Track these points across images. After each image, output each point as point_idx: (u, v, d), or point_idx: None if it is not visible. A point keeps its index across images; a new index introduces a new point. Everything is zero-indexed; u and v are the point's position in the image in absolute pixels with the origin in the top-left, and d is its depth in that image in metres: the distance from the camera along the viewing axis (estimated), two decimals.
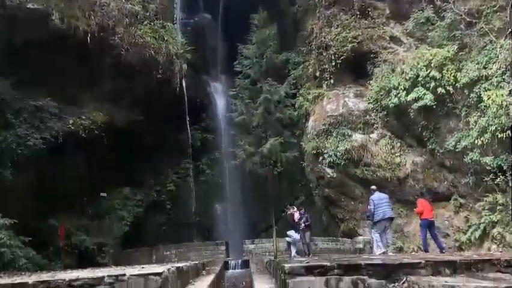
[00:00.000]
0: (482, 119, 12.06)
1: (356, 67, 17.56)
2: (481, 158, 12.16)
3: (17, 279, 6.62)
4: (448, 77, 13.28)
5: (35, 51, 14.51)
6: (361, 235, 16.99)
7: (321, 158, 17.37)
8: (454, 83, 13.17)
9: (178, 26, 22.75)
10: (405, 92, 14.30)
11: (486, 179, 12.05)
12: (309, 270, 6.32)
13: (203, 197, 22.91)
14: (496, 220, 11.56)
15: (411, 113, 14.36)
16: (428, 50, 14.24)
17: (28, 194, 14.27)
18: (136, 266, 8.60)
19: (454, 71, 13.24)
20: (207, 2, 25.62)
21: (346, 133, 16.98)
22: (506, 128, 11.26)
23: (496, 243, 11.39)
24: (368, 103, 16.50)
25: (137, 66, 17.25)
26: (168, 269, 6.58)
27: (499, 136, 11.41)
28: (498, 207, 11.59)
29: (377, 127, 16.65)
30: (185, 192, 22.59)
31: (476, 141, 12.14)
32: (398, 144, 16.04)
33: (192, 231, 21.88)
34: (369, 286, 5.84)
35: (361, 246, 16.46)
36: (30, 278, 6.59)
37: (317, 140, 17.59)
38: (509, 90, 11.46)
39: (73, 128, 15.62)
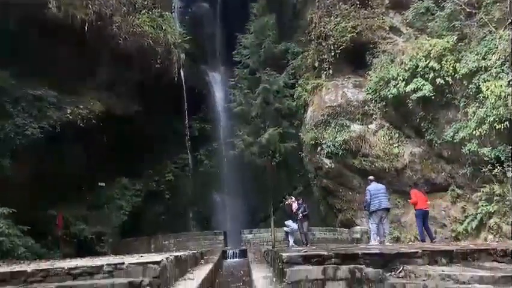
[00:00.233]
0: (480, 110, 12.05)
1: (355, 57, 17.50)
2: (478, 149, 12.18)
3: (16, 268, 6.67)
4: (447, 68, 13.24)
5: (31, 40, 14.40)
6: (358, 225, 17.09)
7: (319, 148, 17.39)
8: (453, 73, 13.13)
9: (176, 15, 22.61)
10: (404, 82, 14.26)
11: (483, 169, 12.07)
12: (307, 260, 6.37)
13: (201, 187, 22.97)
14: (492, 211, 11.61)
15: (409, 104, 14.34)
16: (427, 41, 14.17)
17: (26, 184, 14.26)
18: (135, 255, 8.66)
19: (453, 61, 13.19)
20: None
21: (344, 124, 16.98)
22: (504, 119, 11.26)
23: (492, 233, 11.46)
24: (367, 94, 16.46)
25: (135, 55, 17.16)
26: (167, 258, 6.63)
27: (497, 127, 11.41)
28: (495, 198, 11.63)
29: (375, 118, 16.65)
30: (184, 182, 22.65)
31: (474, 132, 12.15)
32: (396, 135, 16.06)
33: (191, 221, 21.99)
34: (366, 275, 5.89)
35: (358, 236, 16.57)
36: (29, 267, 6.63)
37: (316, 131, 17.60)
38: (508, 81, 11.43)
39: (70, 117, 15.56)
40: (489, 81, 11.89)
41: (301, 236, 15.65)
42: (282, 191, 20.03)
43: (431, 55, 13.58)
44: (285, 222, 15.95)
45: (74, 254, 14.20)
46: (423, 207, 12.29)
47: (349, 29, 17.12)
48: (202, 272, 8.69)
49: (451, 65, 13.16)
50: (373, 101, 16.31)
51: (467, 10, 13.58)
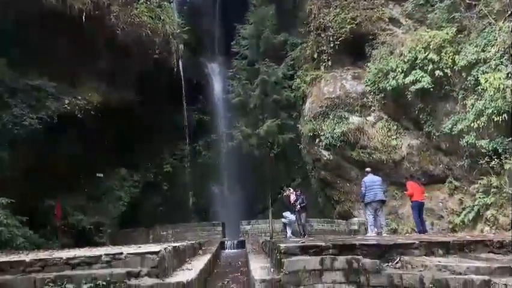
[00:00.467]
0: (479, 102, 12.05)
1: (354, 49, 17.43)
2: (476, 141, 12.20)
3: (15, 258, 6.70)
4: (446, 60, 13.21)
5: (28, 29, 14.29)
6: (356, 217, 17.17)
7: (317, 140, 17.40)
8: (452, 65, 13.10)
9: (175, 5, 22.40)
10: (403, 74, 14.24)
11: (481, 162, 12.10)
12: (305, 250, 6.43)
13: (200, 178, 22.99)
14: (489, 202, 11.66)
15: (408, 96, 14.33)
16: (427, 32, 14.11)
17: (25, 174, 14.25)
18: (133, 245, 8.69)
19: (452, 53, 13.16)
20: None
21: (343, 115, 16.98)
22: (502, 111, 11.26)
23: (489, 225, 11.52)
24: (366, 85, 16.43)
25: (133, 46, 17.04)
26: (165, 248, 6.66)
27: (495, 119, 11.41)
28: (492, 190, 11.67)
29: (374, 110, 16.64)
30: (182, 173, 22.65)
31: (472, 124, 12.16)
32: (395, 127, 16.07)
33: (189, 212, 22.01)
34: (363, 265, 5.94)
35: (356, 227, 16.65)
36: (28, 257, 6.66)
37: (314, 122, 17.59)
38: (507, 74, 11.42)
39: (69, 108, 15.48)
40: (488, 73, 11.87)
41: (299, 227, 15.72)
42: (280, 182, 20.06)
43: (431, 47, 13.54)
44: (283, 214, 16.00)
45: (72, 245, 14.24)
46: (419, 199, 12.37)
47: (348, 20, 17.03)
48: (200, 262, 8.73)
49: (450, 57, 13.14)
50: (372, 93, 16.29)
51: (467, 2, 13.51)
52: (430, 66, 13.47)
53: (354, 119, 16.84)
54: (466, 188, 13.50)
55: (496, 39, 12.16)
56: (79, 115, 15.66)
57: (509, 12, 12.25)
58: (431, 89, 13.56)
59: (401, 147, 15.69)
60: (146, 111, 19.36)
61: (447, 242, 6.91)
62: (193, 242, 11.33)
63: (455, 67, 13.03)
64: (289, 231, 15.75)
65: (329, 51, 17.98)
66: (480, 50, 12.47)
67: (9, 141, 13.37)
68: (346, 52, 17.91)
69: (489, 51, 12.18)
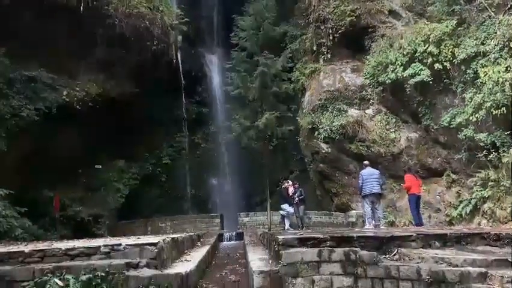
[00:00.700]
0: (477, 95, 12.06)
1: (354, 42, 17.38)
2: (475, 135, 12.24)
3: (13, 248, 6.71)
4: (445, 53, 13.19)
5: (26, 19, 14.19)
6: (354, 209, 17.23)
7: (316, 133, 17.41)
8: (451, 58, 13.09)
9: None
10: (402, 67, 14.22)
11: (479, 155, 12.15)
12: (303, 242, 6.44)
13: (198, 170, 23.02)
14: (487, 196, 11.71)
15: (407, 89, 14.32)
16: (426, 25, 14.08)
17: (23, 166, 14.24)
18: (132, 237, 8.72)
19: (452, 46, 13.14)
20: None
21: (342, 108, 16.98)
22: (501, 104, 11.28)
23: (486, 218, 11.59)
24: (365, 78, 16.42)
25: (132, 37, 16.96)
26: (163, 240, 6.68)
27: (494, 113, 11.44)
28: (490, 183, 11.72)
29: (372, 103, 16.64)
30: (181, 165, 22.67)
31: (471, 117, 12.19)
32: (393, 120, 16.09)
33: (187, 204, 22.07)
34: (360, 257, 5.97)
35: (354, 220, 16.72)
36: (27, 247, 6.68)
37: (313, 115, 17.59)
38: (506, 67, 11.41)
39: (67, 99, 15.45)
40: (487, 66, 11.88)
41: (297, 219, 15.76)
42: (278, 175, 20.10)
43: (430, 40, 13.52)
44: (281, 206, 16.03)
45: (71, 236, 14.28)
46: (416, 192, 12.39)
47: (348, 12, 16.96)
48: (199, 253, 8.77)
49: (450, 50, 13.12)
50: (371, 86, 16.29)
51: None
52: (429, 59, 13.45)
53: (353, 112, 16.84)
54: (463, 181, 13.56)
55: (496, 33, 12.15)
56: (77, 107, 15.62)
57: (509, 5, 12.24)
58: (430, 82, 13.55)
59: (399, 141, 15.71)
60: (145, 103, 19.33)
61: (444, 235, 6.94)
62: (191, 233, 11.37)
63: (454, 60, 13.02)
64: (287, 224, 15.80)
65: (328, 44, 17.93)
66: (480, 43, 12.46)
67: (7, 132, 13.34)
68: (345, 45, 17.86)
69: (489, 45, 12.18)
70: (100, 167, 18.47)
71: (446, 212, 13.88)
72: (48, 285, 5.43)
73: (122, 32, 16.54)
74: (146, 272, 5.82)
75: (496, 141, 11.80)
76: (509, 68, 11.37)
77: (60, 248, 6.17)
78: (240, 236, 13.97)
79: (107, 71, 17.38)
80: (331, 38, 17.64)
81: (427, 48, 13.50)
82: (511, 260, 5.31)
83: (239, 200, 21.75)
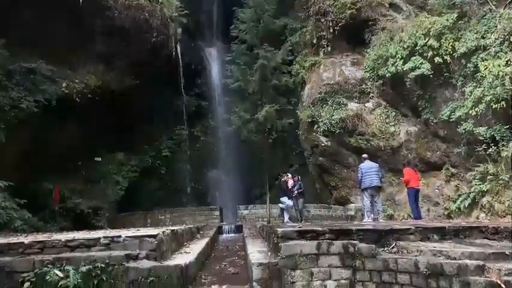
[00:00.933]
0: (477, 89, 12.04)
1: (354, 35, 17.31)
2: (474, 129, 12.24)
3: (13, 240, 6.73)
4: (446, 46, 13.15)
5: (27, 12, 14.11)
6: (353, 203, 17.28)
7: (316, 126, 17.40)
8: (451, 52, 13.06)
9: None
10: (402, 60, 14.19)
11: (478, 149, 12.16)
12: (301, 235, 6.48)
13: (198, 163, 23.04)
14: (485, 189, 11.73)
15: (407, 82, 14.30)
16: (427, 18, 14.03)
17: (22, 157, 14.24)
18: (132, 229, 8.75)
19: (452, 40, 13.10)
20: None
21: (341, 102, 16.95)
22: (501, 98, 11.27)
23: (484, 212, 11.62)
24: (365, 72, 16.38)
25: (131, 29, 16.87)
26: (163, 232, 6.71)
27: (494, 106, 11.43)
28: (488, 177, 11.74)
29: (372, 96, 16.62)
30: (180, 158, 22.69)
31: (470, 111, 12.18)
32: (393, 113, 16.08)
33: (187, 197, 22.12)
34: (359, 250, 6.00)
35: (352, 213, 16.78)
36: (27, 239, 6.70)
37: (313, 109, 17.57)
38: (506, 61, 11.39)
39: (66, 91, 15.41)
40: (487, 60, 11.85)
41: (296, 212, 15.83)
42: (278, 168, 20.11)
43: (431, 33, 13.47)
44: (281, 199, 16.09)
45: (71, 228, 14.33)
46: (415, 186, 12.45)
47: (348, 5, 16.87)
48: (198, 245, 8.81)
49: (450, 44, 13.08)
50: (371, 79, 16.26)
51: None
52: (430, 53, 13.41)
53: (353, 106, 16.82)
54: (462, 175, 13.58)
55: (496, 26, 12.10)
56: (76, 99, 15.58)
57: None
58: (430, 76, 13.53)
59: (399, 134, 15.72)
60: (144, 96, 19.28)
61: (442, 228, 6.98)
62: (191, 226, 11.41)
63: (454, 54, 12.99)
64: (286, 217, 15.86)
65: (328, 37, 17.86)
66: (480, 36, 12.42)
67: (7, 123, 13.32)
68: (346, 38, 17.80)
69: (489, 38, 12.14)
70: (100, 159, 18.48)
71: (444, 205, 13.93)
72: (49, 276, 5.47)
73: (121, 24, 16.46)
74: (146, 264, 5.86)
75: (495, 135, 11.80)
76: (509, 62, 11.34)
77: (60, 240, 6.20)
78: (239, 229, 14.02)
79: (106, 63, 17.33)
80: (331, 31, 17.57)
81: (427, 41, 13.46)
82: (508, 253, 5.35)
83: (238, 193, 21.79)
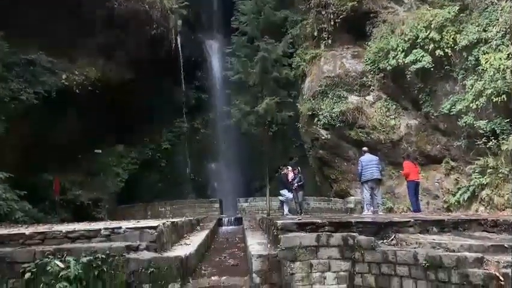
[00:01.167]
0: (478, 82, 12.01)
1: (355, 27, 17.21)
2: (474, 122, 12.22)
3: (14, 230, 6.77)
4: (447, 39, 13.09)
5: (25, 2, 14.03)
6: (353, 196, 17.31)
7: (316, 119, 17.37)
8: (452, 45, 12.99)
9: None
10: (403, 53, 14.13)
11: (478, 142, 12.15)
12: (301, 227, 6.51)
13: (198, 156, 23.07)
14: (485, 183, 11.74)
15: (408, 75, 14.26)
16: (428, 11, 13.94)
17: (23, 149, 14.25)
18: (132, 221, 8.79)
19: (454, 33, 13.03)
20: None
21: (342, 95, 16.90)
22: (502, 91, 11.24)
23: (484, 205, 11.64)
24: (366, 65, 16.32)
25: (131, 21, 16.81)
26: (163, 223, 6.74)
27: (494, 100, 11.40)
28: (488, 171, 11.74)
29: (373, 89, 16.57)
30: (180, 151, 22.71)
31: (471, 104, 12.16)
32: (394, 106, 16.04)
33: (187, 190, 22.17)
34: (358, 242, 6.03)
35: (352, 206, 16.81)
36: (27, 229, 6.74)
37: (313, 101, 17.53)
38: (508, 54, 11.34)
39: (66, 83, 15.38)
40: (489, 53, 11.80)
41: (296, 205, 15.88)
42: (278, 161, 20.13)
43: (432, 26, 13.40)
44: (280, 192, 16.12)
45: (71, 219, 14.37)
46: (415, 179, 12.46)
47: None
48: (198, 237, 8.85)
49: (451, 37, 13.02)
50: (371, 72, 16.21)
51: None
52: (431, 46, 13.36)
53: (353, 99, 16.78)
54: (462, 168, 13.59)
55: (498, 19, 12.03)
56: (76, 91, 15.56)
57: None
58: (431, 69, 13.49)
59: (399, 127, 15.70)
60: (144, 88, 19.24)
61: (442, 221, 7.01)
62: (191, 218, 11.46)
63: (456, 47, 12.93)
64: (286, 209, 15.91)
65: (329, 29, 17.75)
66: (482, 29, 12.35)
67: (7, 115, 13.31)
68: (346, 30, 17.69)
69: (490, 31, 12.07)
70: (100, 151, 18.49)
71: (444, 198, 13.95)
72: (49, 267, 5.50)
73: (121, 16, 16.39)
74: (146, 255, 5.90)
75: (495, 128, 11.78)
76: (510, 55, 11.29)
77: (61, 231, 6.23)
78: (239, 221, 14.08)
79: (106, 55, 17.28)
80: (332, 23, 17.47)
81: (429, 34, 13.40)
82: (507, 246, 5.37)
83: (238, 186, 21.84)
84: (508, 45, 11.53)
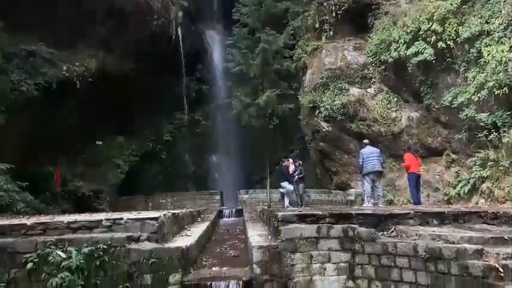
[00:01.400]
0: (480, 75, 11.95)
1: (357, 19, 17.12)
2: (476, 115, 12.19)
3: (16, 221, 6.79)
4: (449, 31, 13.01)
5: None
6: (353, 188, 17.33)
7: (317, 111, 17.34)
8: (455, 37, 12.92)
9: None
10: (405, 45, 14.07)
11: (479, 135, 12.13)
12: (302, 219, 6.53)
13: (198, 148, 23.08)
14: (486, 175, 11.73)
15: (410, 68, 14.21)
16: (431, 3, 13.84)
17: (24, 141, 14.27)
18: (133, 212, 8.81)
19: (456, 25, 12.95)
20: None
21: (343, 87, 16.86)
22: (503, 84, 11.19)
23: (484, 197, 11.64)
24: (367, 57, 16.26)
25: (131, 12, 16.73)
26: (164, 215, 6.76)
27: (496, 92, 11.36)
28: (489, 163, 11.72)
29: (374, 81, 16.52)
30: (181, 143, 22.72)
31: (472, 97, 12.12)
32: (395, 99, 16.01)
33: (187, 181, 22.22)
34: (358, 234, 6.05)
35: (352, 198, 16.85)
36: (29, 220, 6.76)
37: (314, 94, 17.49)
38: (510, 46, 11.28)
39: (67, 74, 15.35)
40: (491, 45, 11.73)
41: (296, 197, 15.90)
42: (278, 153, 20.15)
43: (434, 18, 13.32)
44: (281, 184, 16.13)
45: (72, 210, 14.42)
46: (415, 171, 12.45)
47: None
48: (199, 229, 8.88)
49: (454, 28, 12.94)
50: (373, 65, 16.16)
51: None
52: (433, 38, 13.29)
53: (355, 91, 16.74)
54: (463, 161, 13.58)
55: (501, 11, 11.94)
56: (77, 82, 15.53)
57: None
58: (433, 61, 13.43)
59: (400, 120, 15.68)
60: (145, 80, 19.20)
61: (442, 213, 7.02)
62: (191, 209, 11.50)
63: (458, 39, 12.86)
64: (286, 201, 15.93)
65: (330, 21, 17.68)
66: (484, 21, 12.26)
67: (7, 106, 13.30)
68: (348, 22, 17.60)
69: (493, 23, 11.99)
70: (101, 143, 18.51)
71: (444, 191, 13.95)
72: (51, 257, 5.53)
73: (122, 7, 16.32)
74: (147, 246, 5.93)
75: (497, 121, 11.75)
76: None
77: (63, 221, 6.25)
78: (239, 213, 14.11)
79: (106, 47, 17.23)
80: (334, 15, 17.38)
81: (431, 26, 13.32)
82: (507, 238, 5.39)
83: (239, 178, 21.87)
84: (510, 38, 11.46)
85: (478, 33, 12.30)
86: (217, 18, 25.23)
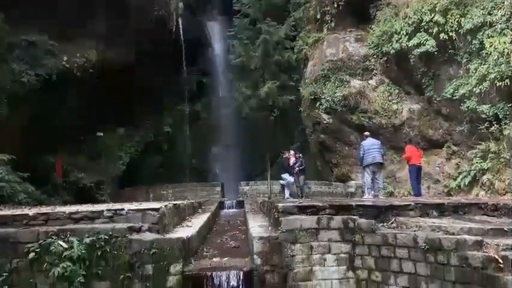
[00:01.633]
0: (482, 66, 11.91)
1: (359, 10, 17.04)
2: (477, 107, 12.17)
3: (17, 211, 6.83)
4: (451, 23, 12.94)
5: None
6: (353, 180, 17.35)
7: (318, 103, 17.30)
8: (457, 28, 12.85)
9: None
10: (407, 37, 14.01)
11: (481, 127, 12.12)
12: (302, 210, 6.56)
13: (199, 139, 23.08)
14: (486, 167, 11.74)
15: (411, 59, 14.15)
16: None
17: (24, 132, 14.28)
18: (134, 203, 8.84)
19: (458, 16, 12.87)
20: None
21: (344, 79, 16.80)
22: (505, 76, 11.15)
23: (484, 189, 11.66)
24: (369, 48, 16.19)
25: (132, 3, 16.64)
26: (165, 206, 6.79)
27: (498, 84, 11.33)
28: (490, 155, 11.73)
29: (376, 73, 16.46)
30: (182, 135, 22.72)
31: (474, 89, 12.09)
32: (396, 91, 15.97)
33: (188, 173, 22.24)
34: (359, 225, 6.08)
35: (353, 190, 16.88)
36: (31, 210, 6.80)
37: (315, 85, 17.43)
38: None
39: (67, 66, 15.33)
40: (493, 37, 11.67)
41: (297, 189, 15.93)
42: (279, 145, 20.12)
43: (437, 9, 13.24)
44: (282, 176, 16.18)
45: (73, 201, 14.48)
46: (416, 163, 12.45)
47: None
48: (199, 220, 8.92)
49: (456, 20, 12.86)
50: (374, 56, 16.10)
51: None
52: (435, 29, 13.22)
53: (356, 83, 16.68)
54: (463, 153, 13.58)
55: (503, 2, 11.86)
56: (77, 73, 15.50)
57: None
58: (435, 53, 13.38)
59: (401, 112, 15.65)
60: (146, 72, 19.11)
61: (442, 204, 7.04)
62: (192, 201, 11.53)
63: (460, 30, 12.79)
64: (287, 193, 15.98)
65: (332, 12, 17.57)
66: (486, 13, 12.18)
67: (8, 97, 13.30)
68: (350, 13, 17.51)
69: (495, 15, 11.91)
70: (102, 134, 18.50)
71: (445, 183, 13.96)
72: (53, 247, 5.57)
73: None
74: (148, 236, 5.96)
75: (498, 113, 11.73)
76: None
77: (64, 212, 6.28)
78: (240, 204, 14.14)
79: (107, 38, 17.14)
80: (335, 6, 17.27)
81: (433, 17, 13.24)
82: (507, 229, 5.41)
83: (239, 170, 21.90)
84: None
85: (480, 24, 12.23)
86: (218, 9, 25.07)
